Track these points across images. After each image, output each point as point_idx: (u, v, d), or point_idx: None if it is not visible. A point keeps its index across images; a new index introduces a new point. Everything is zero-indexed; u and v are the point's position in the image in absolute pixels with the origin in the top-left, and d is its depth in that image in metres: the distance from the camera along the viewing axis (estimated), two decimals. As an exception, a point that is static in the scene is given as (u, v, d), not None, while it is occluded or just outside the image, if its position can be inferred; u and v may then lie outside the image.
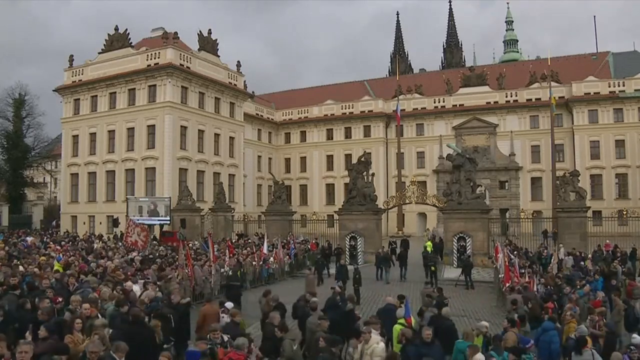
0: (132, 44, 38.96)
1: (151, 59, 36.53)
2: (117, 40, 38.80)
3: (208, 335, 7.12)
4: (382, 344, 7.20)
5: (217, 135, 39.90)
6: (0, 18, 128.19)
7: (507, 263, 14.59)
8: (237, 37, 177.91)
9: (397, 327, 8.36)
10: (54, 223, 41.31)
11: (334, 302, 9.81)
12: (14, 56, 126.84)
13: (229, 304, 9.65)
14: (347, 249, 24.66)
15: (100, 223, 37.46)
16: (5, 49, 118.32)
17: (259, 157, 51.81)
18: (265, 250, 21.21)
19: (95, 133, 38.68)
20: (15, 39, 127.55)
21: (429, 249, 23.37)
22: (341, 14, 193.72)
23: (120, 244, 24.54)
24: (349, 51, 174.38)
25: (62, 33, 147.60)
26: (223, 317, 9.10)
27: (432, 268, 19.13)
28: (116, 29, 39.11)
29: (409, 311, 9.01)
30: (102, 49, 39.77)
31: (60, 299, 8.77)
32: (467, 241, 23.05)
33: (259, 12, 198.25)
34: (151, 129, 36.00)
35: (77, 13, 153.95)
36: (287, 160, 55.03)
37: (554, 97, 40.66)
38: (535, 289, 12.60)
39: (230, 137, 41.48)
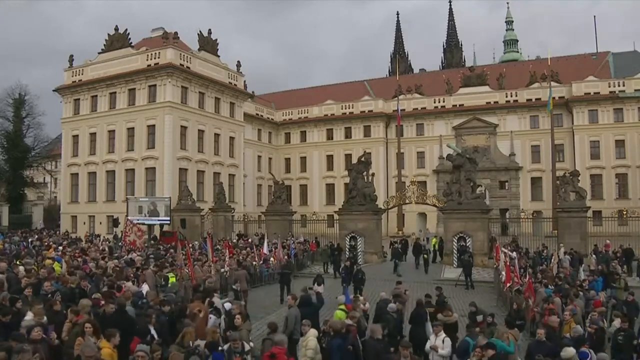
0: (132, 44, 38.95)
1: (151, 59, 36.52)
2: (117, 40, 38.79)
3: (229, 344, 7.11)
4: (314, 339, 7.65)
5: (217, 135, 39.89)
6: (14, 19, 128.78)
7: (508, 263, 14.57)
8: (245, 39, 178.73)
9: (337, 313, 9.26)
10: (42, 225, 41.04)
11: (307, 300, 10.15)
12: (25, 57, 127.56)
13: (228, 305, 9.65)
14: (346, 249, 24.63)
15: (100, 223, 37.44)
16: (17, 50, 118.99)
17: (259, 157, 51.79)
18: (265, 250, 21.24)
19: (95, 133, 38.67)
20: (28, 39, 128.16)
21: (436, 245, 26.33)
22: (349, 16, 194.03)
23: (120, 243, 24.58)
24: (356, 52, 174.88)
25: (74, 34, 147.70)
26: (210, 317, 9.07)
27: (425, 256, 23.07)
28: (116, 29, 39.10)
29: (348, 298, 10.41)
30: (102, 49, 39.78)
31: (102, 302, 8.78)
32: (467, 241, 23.07)
33: (267, 14, 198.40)
34: (151, 129, 35.98)
35: (90, 13, 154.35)
36: (287, 160, 55.03)
37: (553, 98, 40.64)
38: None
39: (230, 137, 41.47)
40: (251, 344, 7.59)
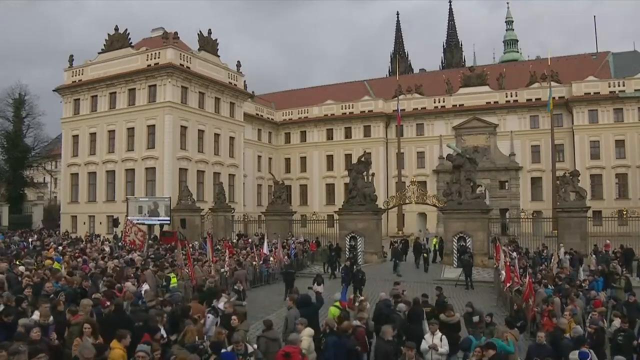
0: (132, 44, 38.95)
1: (151, 59, 36.51)
2: (117, 40, 38.78)
3: (232, 347, 7.11)
4: (309, 339, 7.74)
5: (217, 135, 39.88)
6: (14, 19, 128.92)
7: (508, 263, 14.56)
8: (245, 39, 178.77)
9: (331, 310, 9.48)
10: (41, 226, 40.97)
11: (306, 300, 10.23)
12: (25, 57, 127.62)
13: (221, 305, 9.67)
14: (346, 249, 24.62)
15: (100, 223, 37.44)
16: (17, 50, 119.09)
17: (259, 157, 51.79)
18: (265, 250, 21.23)
19: (95, 133, 38.67)
20: (28, 39, 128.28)
21: (436, 245, 26.57)
22: (349, 16, 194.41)
23: (120, 243, 24.56)
24: (356, 52, 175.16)
25: (74, 34, 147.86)
26: (209, 317, 9.06)
27: (425, 255, 23.33)
28: (116, 29, 39.09)
29: (344, 295, 10.74)
30: (102, 49, 39.77)
31: (108, 303, 8.78)
32: (467, 241, 23.07)
33: (267, 14, 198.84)
34: (151, 129, 35.97)
35: (90, 13, 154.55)
36: (287, 160, 55.03)
37: (553, 98, 40.64)
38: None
39: (230, 137, 41.46)
40: (254, 345, 7.56)
